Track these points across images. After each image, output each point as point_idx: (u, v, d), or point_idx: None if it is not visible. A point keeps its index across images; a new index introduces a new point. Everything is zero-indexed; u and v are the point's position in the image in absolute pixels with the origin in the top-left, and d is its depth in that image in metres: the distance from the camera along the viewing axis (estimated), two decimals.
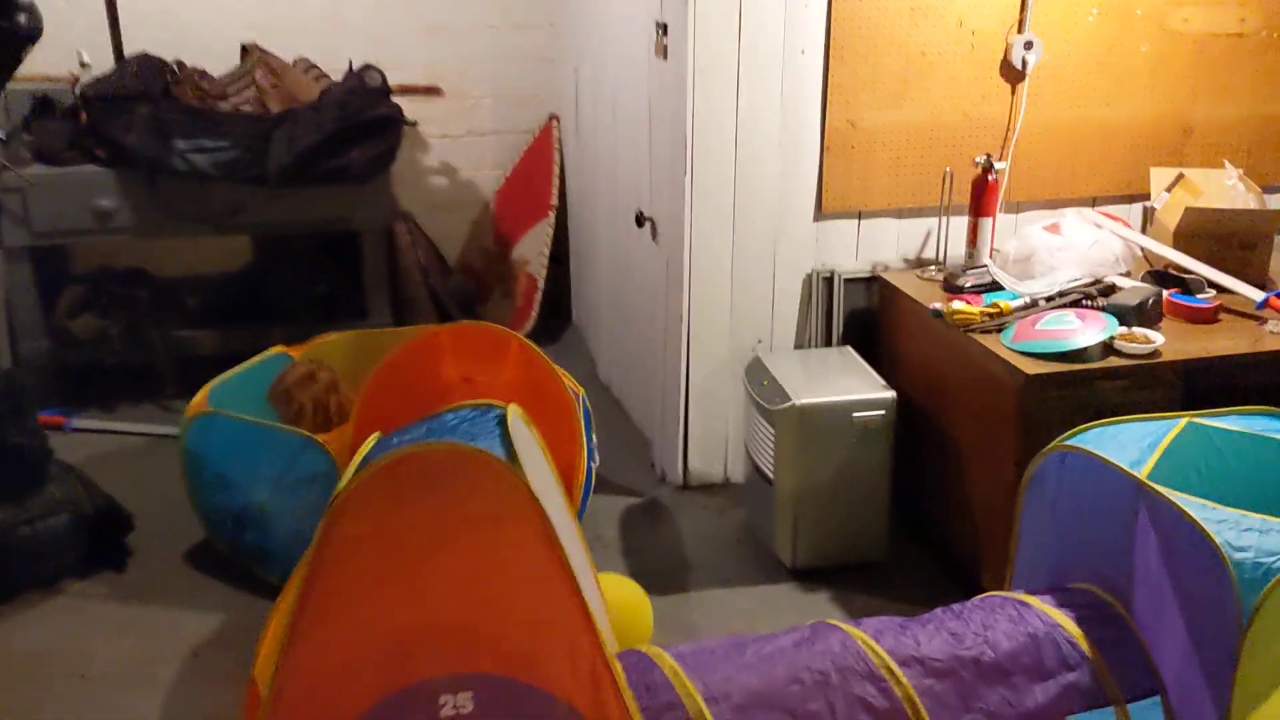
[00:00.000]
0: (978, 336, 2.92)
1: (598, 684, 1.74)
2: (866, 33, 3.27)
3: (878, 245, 3.51)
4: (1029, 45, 3.34)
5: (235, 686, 2.65)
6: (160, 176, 3.95)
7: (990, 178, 3.27)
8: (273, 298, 4.48)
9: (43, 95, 4.10)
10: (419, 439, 1.92)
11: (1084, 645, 2.07)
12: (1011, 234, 3.41)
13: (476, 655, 1.67)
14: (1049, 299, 3.04)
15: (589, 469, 2.96)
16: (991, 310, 2.98)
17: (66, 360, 4.20)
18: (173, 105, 3.97)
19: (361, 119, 3.96)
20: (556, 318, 4.92)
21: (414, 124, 4.57)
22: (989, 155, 3.28)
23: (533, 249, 4.76)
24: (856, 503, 3.13)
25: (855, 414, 3.06)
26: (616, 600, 2.52)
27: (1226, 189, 3.35)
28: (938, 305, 3.07)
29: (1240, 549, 1.87)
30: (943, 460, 3.14)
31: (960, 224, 3.43)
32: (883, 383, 3.14)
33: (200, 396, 3.16)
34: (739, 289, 3.46)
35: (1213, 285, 3.13)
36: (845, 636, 2.06)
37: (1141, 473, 2.10)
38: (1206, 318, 3.00)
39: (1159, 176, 3.49)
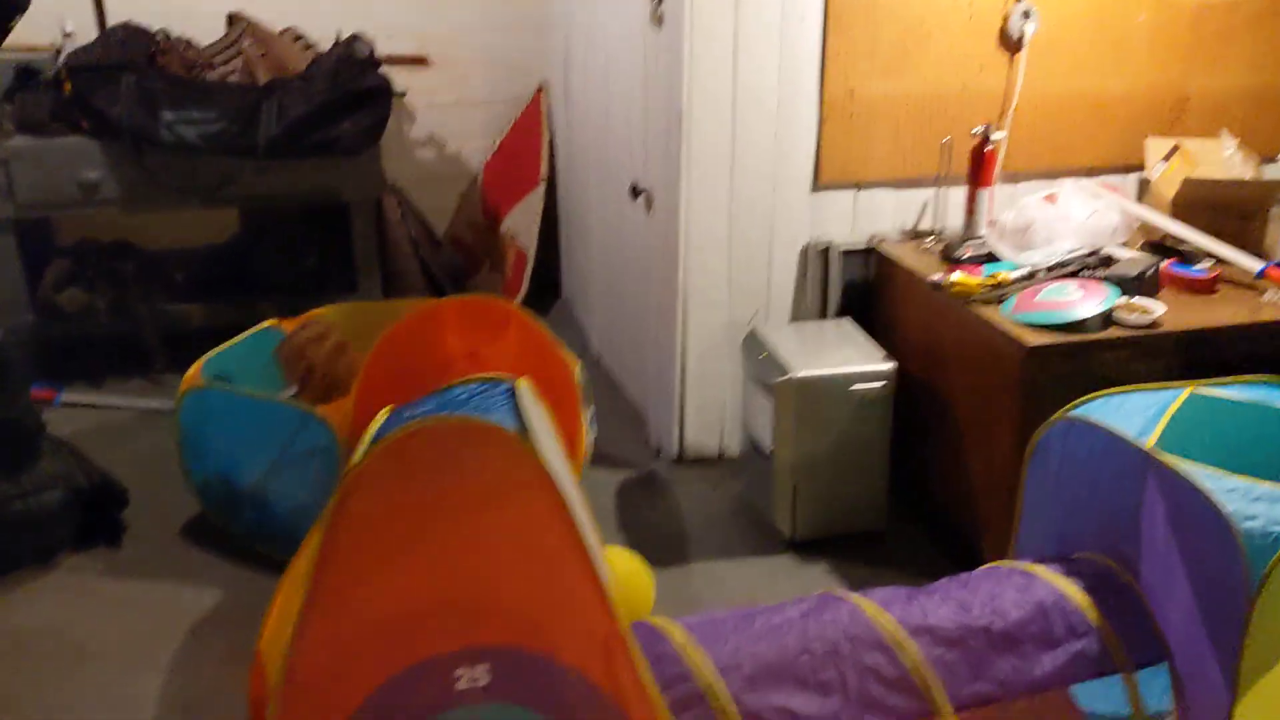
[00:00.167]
0: (978, 308, 2.92)
1: (611, 655, 1.73)
2: (865, 1, 3.24)
3: (874, 216, 3.50)
4: (1026, 15, 3.32)
5: (236, 663, 2.63)
6: (147, 148, 3.88)
7: (988, 148, 3.25)
8: (261, 271, 4.44)
9: (25, 65, 4.03)
10: (430, 413, 1.90)
11: (1091, 613, 2.08)
12: (1008, 205, 3.40)
13: (491, 628, 1.66)
14: (1048, 270, 3.03)
15: (588, 441, 2.95)
16: (991, 281, 2.98)
17: (53, 334, 4.15)
18: (159, 75, 3.91)
19: (352, 90, 3.90)
20: (546, 291, 4.89)
21: (403, 94, 4.52)
22: (988, 125, 3.27)
23: (522, 221, 4.72)
24: (855, 474, 3.14)
25: (854, 386, 3.05)
26: (619, 573, 2.51)
27: (1223, 159, 3.36)
28: (937, 277, 3.07)
29: (1249, 517, 1.88)
30: (941, 431, 3.14)
31: (956, 195, 3.42)
32: (882, 354, 3.13)
33: (194, 370, 3.12)
34: (735, 261, 3.44)
35: (1210, 256, 3.13)
36: (853, 607, 2.06)
37: (1147, 442, 2.10)
38: (1205, 288, 3.01)
39: (1155, 147, 3.49)
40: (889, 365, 3.08)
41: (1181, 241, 3.19)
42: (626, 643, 1.73)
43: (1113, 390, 2.34)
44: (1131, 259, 3.04)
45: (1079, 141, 3.55)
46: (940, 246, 3.33)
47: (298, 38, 4.38)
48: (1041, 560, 2.27)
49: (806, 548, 3.17)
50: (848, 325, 3.35)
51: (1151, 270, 2.96)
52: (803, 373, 3.03)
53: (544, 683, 1.66)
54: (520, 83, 4.92)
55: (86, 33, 4.14)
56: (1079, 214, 3.20)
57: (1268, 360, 2.62)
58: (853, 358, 3.13)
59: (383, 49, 4.33)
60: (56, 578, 3.04)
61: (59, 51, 4.03)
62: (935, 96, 3.39)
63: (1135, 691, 2.05)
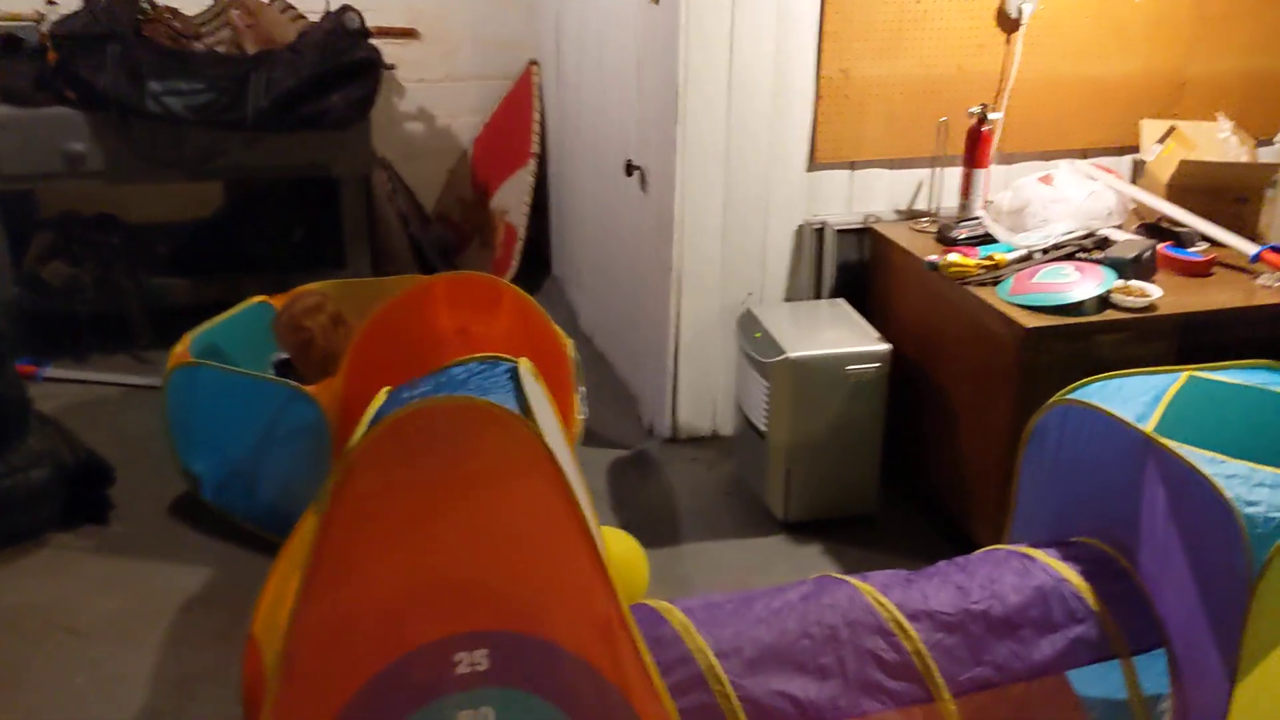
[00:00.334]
0: (974, 289, 2.90)
1: (612, 639, 1.72)
2: None
3: (869, 196, 3.48)
4: None
5: (226, 643, 2.62)
6: (132, 119, 3.83)
7: (985, 128, 3.23)
8: (248, 246, 4.39)
9: (9, 34, 3.96)
10: (429, 394, 1.88)
11: (1090, 599, 2.07)
12: (1003, 186, 3.38)
13: (491, 612, 1.64)
14: (1044, 252, 3.02)
15: (580, 420, 2.93)
16: (987, 263, 2.97)
17: (36, 308, 4.10)
18: (145, 45, 3.84)
19: (342, 62, 3.85)
20: (535, 268, 4.86)
21: (392, 67, 4.47)
22: (984, 105, 3.24)
23: (512, 198, 4.69)
24: (849, 456, 3.13)
25: (849, 366, 3.04)
26: (614, 554, 2.49)
27: (1219, 142, 3.35)
28: (933, 257, 3.05)
29: (1251, 503, 1.87)
30: (935, 413, 3.14)
31: (952, 175, 3.41)
32: (877, 335, 3.12)
33: (181, 346, 3.09)
34: (729, 240, 3.42)
35: (1205, 239, 3.13)
36: (853, 590, 2.05)
37: (1147, 427, 2.10)
38: (1200, 271, 3.00)
39: (1150, 129, 3.48)
40: (884, 347, 3.07)
41: (1176, 224, 3.18)
42: (629, 626, 1.72)
43: (1111, 374, 2.33)
44: (1128, 241, 3.03)
45: (1075, 123, 3.53)
46: (935, 227, 3.31)
47: (286, 8, 4.31)
48: (1038, 544, 2.27)
49: (799, 529, 3.17)
50: (842, 306, 3.34)
51: (1148, 253, 2.95)
52: (798, 353, 3.02)
53: (544, 667, 1.65)
54: (511, 58, 4.87)
55: (71, 1, 4.07)
56: (1075, 195, 3.19)
57: (1263, 343, 2.62)
58: (848, 339, 3.12)
59: (371, 21, 4.27)
60: (44, 556, 3.01)
61: (42, 20, 3.97)
62: (931, 76, 3.36)
63: (1134, 677, 2.05)
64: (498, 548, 1.69)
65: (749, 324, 3.25)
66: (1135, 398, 2.21)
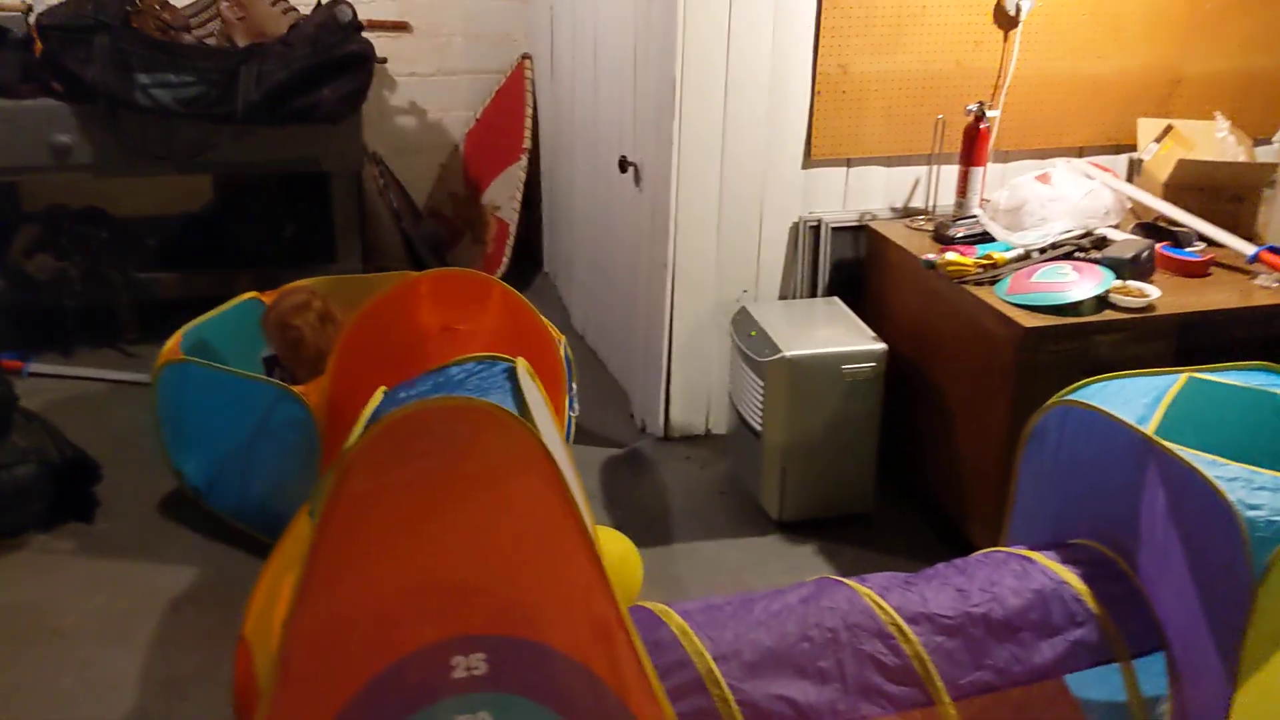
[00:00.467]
0: (972, 288, 2.89)
1: (611, 642, 1.69)
2: None
3: (866, 194, 3.46)
4: None
5: (215, 643, 2.59)
6: (121, 111, 3.78)
7: (983, 125, 3.22)
8: (237, 241, 4.35)
9: None
10: (426, 394, 1.85)
11: (1090, 602, 2.05)
12: (999, 184, 3.37)
13: (489, 616, 1.62)
14: (1042, 251, 3.01)
15: (570, 418, 2.90)
16: (985, 261, 2.95)
17: (22, 302, 4.05)
18: (134, 37, 3.79)
19: (333, 55, 3.81)
20: (527, 264, 4.83)
21: (383, 61, 4.43)
22: (982, 103, 3.23)
23: (504, 193, 4.66)
24: (844, 455, 3.11)
25: (845, 366, 3.02)
26: (608, 554, 2.47)
27: (1216, 141, 3.34)
28: (931, 256, 3.03)
29: (1253, 507, 1.86)
30: (932, 413, 3.12)
31: (949, 173, 3.39)
32: (873, 334, 3.10)
33: (172, 343, 3.05)
34: (725, 237, 3.40)
35: (1203, 238, 3.12)
36: (852, 593, 2.03)
37: (1148, 428, 2.08)
38: (1197, 271, 2.99)
39: (1147, 127, 3.47)
40: (880, 346, 3.05)
41: (1173, 223, 3.17)
42: (628, 629, 1.70)
43: (1110, 375, 2.31)
44: (1126, 241, 3.02)
45: (1072, 121, 3.52)
46: (932, 225, 3.29)
47: (276, 1, 4.26)
48: (1037, 546, 2.26)
49: (794, 529, 3.15)
50: (838, 304, 3.32)
51: (1146, 253, 2.94)
52: (794, 351, 3.00)
53: (542, 671, 1.62)
54: (504, 52, 4.84)
55: None
56: (1073, 194, 3.18)
57: (1260, 343, 2.61)
58: (843, 337, 3.10)
59: (363, 15, 4.23)
60: (29, 555, 2.97)
61: (29, 10, 3.92)
62: (929, 72, 3.34)
63: (1133, 680, 2.04)
64: (496, 550, 1.66)
65: (744, 322, 3.22)
66: (1135, 399, 2.20)
